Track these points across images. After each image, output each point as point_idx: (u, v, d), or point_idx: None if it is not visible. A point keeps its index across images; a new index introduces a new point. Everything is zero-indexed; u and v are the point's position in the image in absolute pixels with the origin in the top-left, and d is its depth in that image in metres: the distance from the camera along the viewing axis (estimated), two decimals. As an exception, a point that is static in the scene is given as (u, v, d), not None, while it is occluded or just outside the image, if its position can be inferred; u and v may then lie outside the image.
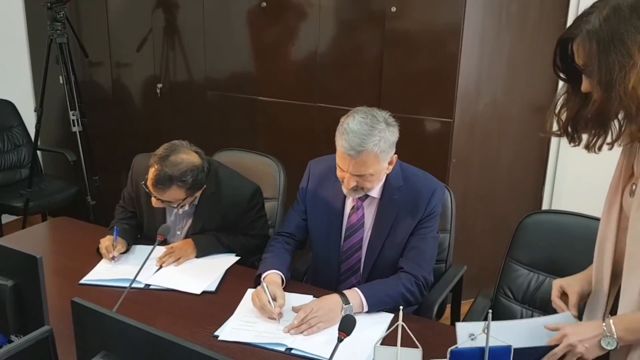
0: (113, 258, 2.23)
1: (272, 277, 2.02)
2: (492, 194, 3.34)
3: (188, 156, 2.22)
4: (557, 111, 1.44)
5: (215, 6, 3.60)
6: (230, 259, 2.30)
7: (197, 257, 2.29)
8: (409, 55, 3.09)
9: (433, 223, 2.11)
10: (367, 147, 1.90)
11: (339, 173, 2.03)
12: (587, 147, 1.40)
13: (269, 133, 3.59)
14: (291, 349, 1.76)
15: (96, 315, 1.27)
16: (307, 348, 1.76)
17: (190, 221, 2.42)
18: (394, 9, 3.03)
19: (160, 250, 2.27)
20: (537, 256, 2.16)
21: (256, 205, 2.45)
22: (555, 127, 1.48)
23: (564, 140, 1.48)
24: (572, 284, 1.63)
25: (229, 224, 2.40)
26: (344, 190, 2.05)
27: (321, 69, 3.34)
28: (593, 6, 1.31)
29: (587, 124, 1.38)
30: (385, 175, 2.07)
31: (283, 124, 3.55)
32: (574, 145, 1.44)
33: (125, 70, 4.12)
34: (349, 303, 1.91)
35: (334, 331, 1.72)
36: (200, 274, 2.19)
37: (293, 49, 3.44)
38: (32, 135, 3.97)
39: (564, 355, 1.44)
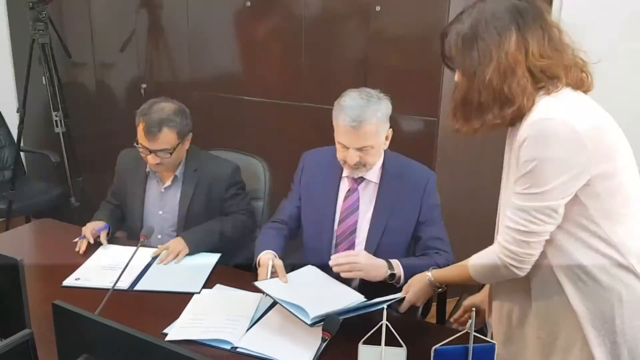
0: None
1: (266, 255, 2.08)
2: (478, 192, 3.35)
3: (168, 103, 2.40)
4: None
5: (199, 6, 3.59)
6: (212, 258, 2.31)
7: (190, 253, 2.31)
8: (394, 55, 3.09)
9: (438, 211, 2.21)
10: (366, 117, 2.00)
11: (340, 153, 2.09)
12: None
13: (254, 133, 3.58)
14: (236, 347, 1.76)
15: (77, 317, 1.26)
16: (253, 347, 1.75)
17: (177, 198, 2.49)
18: (378, 8, 3.03)
19: (148, 251, 2.30)
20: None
21: (237, 183, 2.56)
22: None
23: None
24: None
25: (214, 201, 2.50)
26: (347, 170, 2.14)
27: (306, 69, 3.34)
28: (469, 6, 1.49)
29: (457, 110, 1.54)
30: (383, 151, 2.15)
31: (268, 123, 3.54)
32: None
33: (109, 70, 4.09)
34: (394, 271, 1.98)
35: (284, 331, 1.78)
36: (185, 276, 2.18)
37: (278, 48, 3.43)
38: (15, 137, 3.93)
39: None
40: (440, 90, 3.01)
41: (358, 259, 1.96)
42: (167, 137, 2.33)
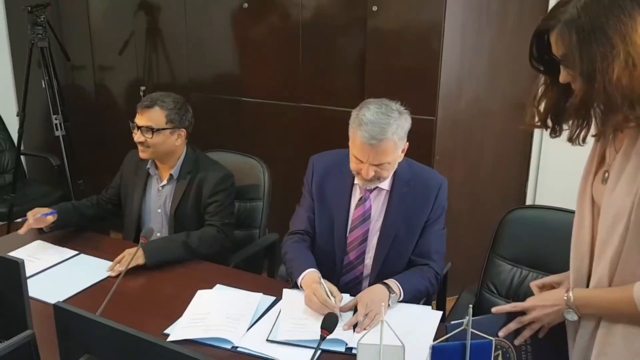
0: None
1: (312, 275, 1.98)
2: (476, 190, 3.36)
3: (174, 95, 2.50)
4: (536, 103, 1.43)
5: (196, 8, 3.60)
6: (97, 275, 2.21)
7: (146, 264, 2.23)
8: (391, 54, 3.10)
9: (442, 218, 2.17)
10: (387, 135, 1.93)
11: (354, 165, 2.03)
12: (571, 140, 1.38)
13: (253, 134, 3.59)
14: (237, 347, 1.77)
15: (79, 318, 1.27)
16: (253, 347, 1.76)
17: (169, 199, 2.52)
18: (375, 8, 3.04)
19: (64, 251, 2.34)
20: (520, 251, 2.18)
21: (224, 190, 2.51)
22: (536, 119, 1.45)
23: (546, 136, 1.46)
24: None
25: (200, 205, 2.50)
26: (359, 182, 2.08)
27: (304, 69, 3.35)
28: None
29: (569, 116, 1.36)
30: (397, 164, 2.10)
31: (267, 124, 3.56)
32: (555, 137, 1.43)
33: (108, 73, 4.10)
34: (394, 292, 1.95)
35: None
36: (62, 285, 2.08)
37: (276, 49, 3.44)
38: (15, 140, 3.94)
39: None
40: (438, 89, 3.02)
41: (367, 307, 1.87)
42: (155, 114, 2.40)
